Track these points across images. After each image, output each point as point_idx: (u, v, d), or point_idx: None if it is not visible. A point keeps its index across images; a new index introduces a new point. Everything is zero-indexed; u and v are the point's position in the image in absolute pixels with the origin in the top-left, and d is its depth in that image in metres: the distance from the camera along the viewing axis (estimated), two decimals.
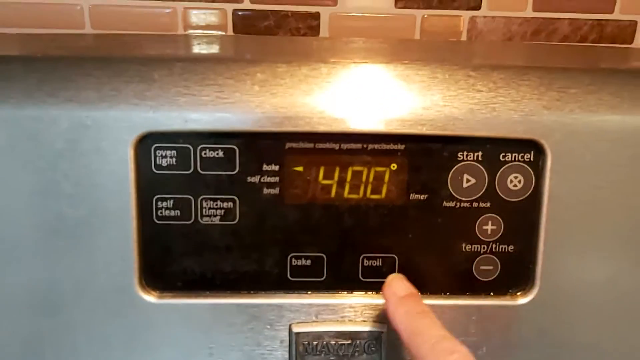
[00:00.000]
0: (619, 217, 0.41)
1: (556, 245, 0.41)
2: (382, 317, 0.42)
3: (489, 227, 0.41)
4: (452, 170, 0.40)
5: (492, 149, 0.40)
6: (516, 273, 0.42)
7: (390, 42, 0.55)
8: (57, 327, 0.41)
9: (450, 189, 0.41)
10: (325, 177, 0.40)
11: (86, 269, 0.40)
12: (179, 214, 0.40)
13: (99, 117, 0.38)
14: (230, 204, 0.40)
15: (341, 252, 0.41)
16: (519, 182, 0.40)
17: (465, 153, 0.40)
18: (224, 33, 0.56)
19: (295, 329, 0.41)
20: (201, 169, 0.39)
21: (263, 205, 0.40)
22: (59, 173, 0.38)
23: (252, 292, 0.42)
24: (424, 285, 0.42)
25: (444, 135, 0.39)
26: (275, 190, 0.40)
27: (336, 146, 0.40)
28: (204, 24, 0.56)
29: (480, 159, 0.40)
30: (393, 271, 0.42)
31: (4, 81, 0.38)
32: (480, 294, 0.42)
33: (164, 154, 0.39)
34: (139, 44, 0.50)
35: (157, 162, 0.39)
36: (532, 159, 0.40)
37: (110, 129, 0.38)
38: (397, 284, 0.39)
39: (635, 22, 0.58)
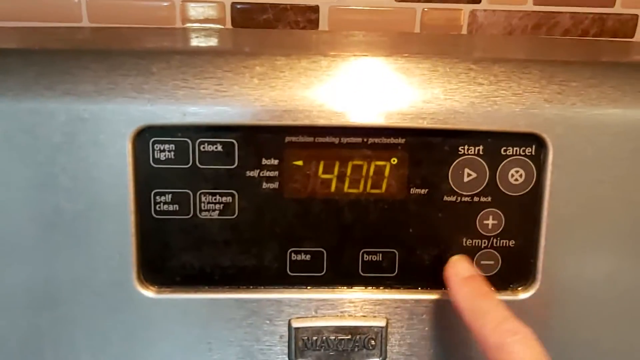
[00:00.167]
0: (620, 211, 0.41)
1: (557, 240, 0.41)
2: (382, 312, 0.41)
3: (490, 221, 0.41)
4: (453, 165, 0.40)
5: (493, 143, 0.40)
6: (517, 268, 0.42)
7: (391, 36, 0.55)
8: (55, 321, 0.40)
9: (451, 183, 0.40)
10: (325, 172, 0.40)
11: (84, 263, 0.39)
12: (177, 209, 0.40)
13: (97, 111, 0.38)
14: (229, 199, 0.40)
15: (341, 246, 0.41)
16: (520, 176, 0.40)
17: (466, 147, 0.40)
18: (222, 27, 0.56)
19: (295, 324, 0.41)
20: (200, 163, 0.39)
21: (262, 199, 0.40)
22: (56, 166, 0.38)
23: (251, 287, 0.41)
24: (425, 280, 0.42)
25: (444, 129, 0.39)
26: (275, 185, 0.40)
27: (336, 140, 0.40)
28: (203, 18, 0.56)
29: (481, 153, 0.40)
30: (393, 266, 0.42)
31: (1, 74, 0.38)
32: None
33: (162, 148, 0.39)
34: (136, 37, 0.50)
35: (155, 156, 0.39)
36: (533, 153, 0.40)
37: (108, 122, 0.38)
38: (461, 265, 0.39)
39: (637, 16, 0.58)
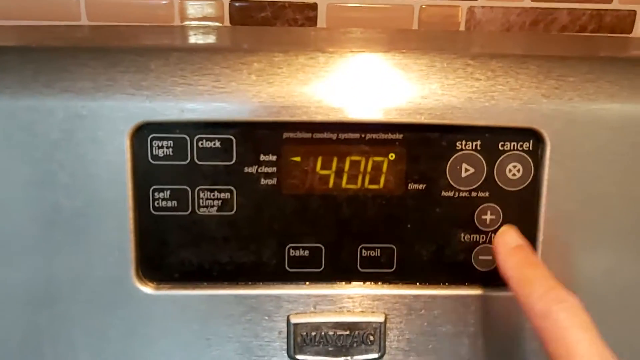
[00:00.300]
0: (619, 206, 0.41)
1: (555, 235, 0.41)
2: (381, 308, 0.41)
3: (488, 216, 0.41)
4: (451, 160, 0.40)
5: (491, 138, 0.40)
6: None
7: (388, 32, 0.55)
8: (53, 318, 0.40)
9: (449, 179, 0.40)
10: (323, 167, 0.40)
11: (83, 260, 0.39)
12: (175, 205, 0.40)
13: (95, 108, 0.38)
14: (228, 195, 0.40)
15: (339, 242, 0.41)
16: (518, 171, 0.40)
17: (463, 142, 0.40)
18: (220, 24, 0.56)
19: (294, 320, 0.41)
20: (198, 160, 0.39)
21: (260, 195, 0.40)
22: (54, 164, 0.38)
23: (249, 283, 0.41)
24: (423, 275, 0.42)
25: (442, 125, 0.39)
26: (273, 181, 0.40)
27: (334, 136, 0.40)
28: (201, 16, 0.56)
29: (478, 148, 0.40)
30: (391, 262, 0.42)
31: None
32: (479, 284, 0.42)
33: (160, 144, 0.39)
34: (135, 34, 0.50)
35: (154, 153, 0.39)
36: (531, 148, 0.40)
37: (106, 119, 0.38)
38: (509, 235, 0.39)
39: (634, 12, 0.58)
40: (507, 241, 0.39)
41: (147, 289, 0.40)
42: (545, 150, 0.39)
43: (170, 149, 0.39)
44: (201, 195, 0.40)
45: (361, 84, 0.39)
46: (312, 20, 0.56)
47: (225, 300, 0.41)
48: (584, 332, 0.32)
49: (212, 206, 0.40)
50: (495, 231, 0.41)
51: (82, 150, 0.38)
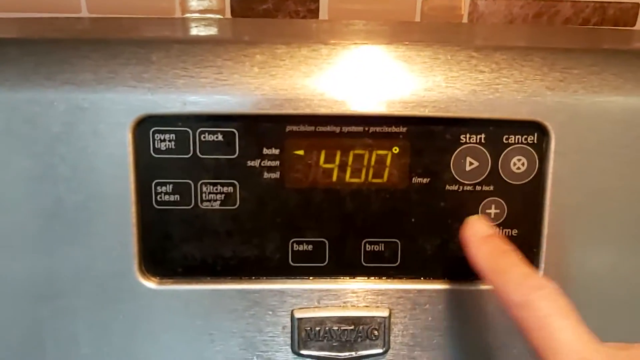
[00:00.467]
0: (623, 199, 0.40)
1: (560, 229, 0.41)
2: (385, 303, 0.41)
3: (492, 210, 0.41)
4: (455, 153, 0.40)
5: (495, 131, 0.40)
6: None
7: (391, 24, 0.55)
8: (56, 313, 0.40)
9: (453, 172, 0.40)
10: (326, 161, 0.40)
11: (85, 254, 0.39)
12: (178, 199, 0.40)
13: (97, 100, 0.37)
14: (231, 189, 0.40)
15: (343, 237, 0.41)
16: (523, 164, 0.40)
17: (468, 135, 0.40)
18: (221, 17, 0.56)
19: (298, 315, 0.41)
20: (200, 153, 0.39)
21: (263, 189, 0.40)
22: (56, 157, 0.38)
23: (253, 277, 0.41)
24: (427, 270, 0.42)
25: (446, 117, 0.39)
26: (276, 175, 0.40)
27: (337, 129, 0.39)
28: (202, 8, 0.56)
29: (483, 141, 0.40)
30: (395, 256, 0.41)
31: (0, 64, 0.38)
32: (483, 279, 0.42)
33: (162, 138, 0.38)
34: (136, 26, 0.50)
35: (156, 146, 0.39)
36: (535, 141, 0.40)
37: (107, 112, 0.37)
38: (479, 225, 0.38)
39: (638, 5, 0.58)
40: (477, 231, 0.38)
41: (150, 283, 0.40)
42: (550, 143, 0.39)
43: (173, 142, 0.39)
44: (204, 189, 0.39)
45: (364, 77, 0.38)
46: (314, 13, 0.56)
47: (228, 295, 0.41)
48: (565, 319, 0.32)
49: (215, 200, 0.40)
50: (500, 225, 0.41)
51: (83, 144, 0.38)
